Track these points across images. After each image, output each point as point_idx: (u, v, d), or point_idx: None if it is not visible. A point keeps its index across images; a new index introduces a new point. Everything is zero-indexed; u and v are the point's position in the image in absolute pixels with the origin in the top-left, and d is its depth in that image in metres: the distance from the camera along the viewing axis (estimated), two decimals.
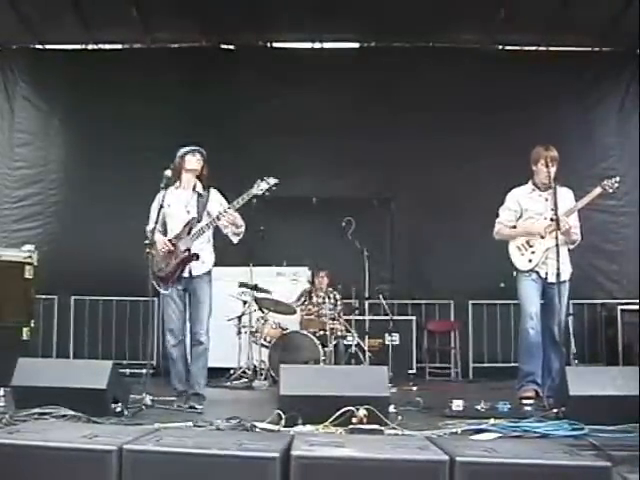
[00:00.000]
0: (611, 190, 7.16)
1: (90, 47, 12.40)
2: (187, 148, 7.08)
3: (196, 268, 6.99)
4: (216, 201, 7.10)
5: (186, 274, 6.97)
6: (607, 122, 12.27)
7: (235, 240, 7.12)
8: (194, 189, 7.10)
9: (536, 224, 7.23)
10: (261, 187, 6.90)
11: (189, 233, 6.95)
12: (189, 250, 6.92)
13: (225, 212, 6.80)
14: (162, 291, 6.96)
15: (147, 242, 6.88)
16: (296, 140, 11.71)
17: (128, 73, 11.92)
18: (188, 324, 7.15)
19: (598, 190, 7.14)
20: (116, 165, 11.60)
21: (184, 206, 7.02)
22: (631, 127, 12.21)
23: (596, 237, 10.98)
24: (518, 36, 12.20)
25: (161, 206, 6.88)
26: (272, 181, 6.93)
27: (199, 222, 6.98)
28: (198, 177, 7.13)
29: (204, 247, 7.06)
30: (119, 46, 12.54)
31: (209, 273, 7.11)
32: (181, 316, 6.99)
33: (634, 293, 11.49)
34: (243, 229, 7.02)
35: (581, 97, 12.06)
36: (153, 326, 9.89)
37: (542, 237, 7.13)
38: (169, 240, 6.92)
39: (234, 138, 11.69)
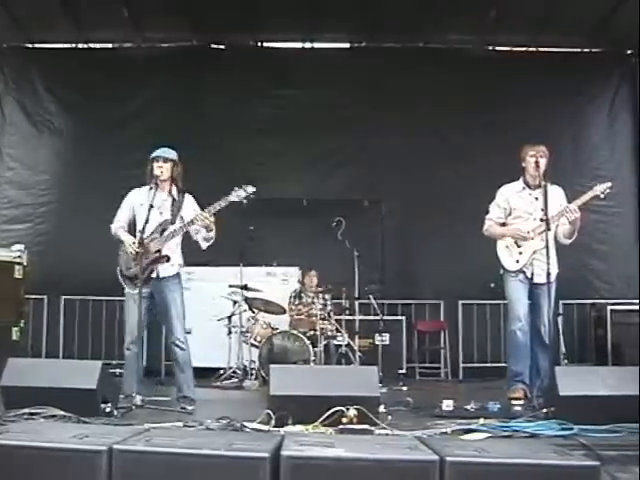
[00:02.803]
0: (602, 196, 7.17)
1: (80, 46, 12.34)
2: (153, 154, 7.04)
3: (164, 270, 7.00)
4: (190, 207, 7.10)
5: (154, 275, 6.96)
6: (597, 122, 12.31)
7: (204, 246, 7.12)
8: (169, 192, 7.11)
9: (524, 225, 7.24)
10: (238, 194, 6.91)
11: (161, 234, 6.96)
12: (160, 251, 6.93)
13: (202, 215, 6.78)
14: (129, 290, 6.93)
15: (136, 243, 6.86)
16: (286, 140, 11.73)
17: (118, 73, 11.86)
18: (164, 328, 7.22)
19: (590, 194, 7.14)
20: (106, 166, 11.55)
21: (157, 208, 6.97)
22: (621, 127, 12.27)
23: (586, 237, 10.95)
24: (508, 37, 12.22)
25: (151, 206, 6.84)
26: (250, 189, 6.94)
27: (172, 224, 7.00)
28: (173, 181, 7.13)
29: (174, 250, 7.07)
30: (109, 45, 12.49)
31: (178, 276, 7.12)
32: (139, 318, 6.87)
33: (624, 293, 11.55)
34: (213, 235, 6.97)
35: (571, 97, 12.07)
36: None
37: (531, 238, 7.15)
38: (140, 242, 6.84)
39: (224, 138, 11.68)
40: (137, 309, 6.73)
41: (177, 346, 6.96)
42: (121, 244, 7.07)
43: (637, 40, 11.60)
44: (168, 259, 6.96)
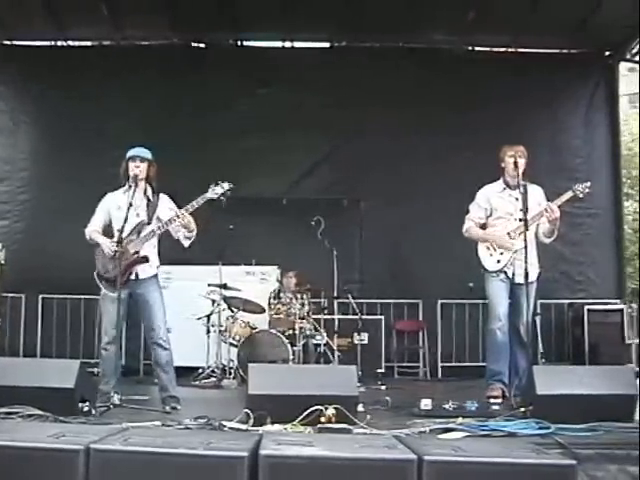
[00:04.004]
0: (581, 195, 7.22)
1: (59, 44, 12.26)
2: (129, 153, 6.99)
3: (143, 271, 6.94)
4: (166, 207, 7.03)
5: (132, 277, 6.90)
6: (575, 123, 12.34)
7: (186, 244, 7.03)
8: (144, 193, 7.04)
9: (506, 225, 7.27)
10: (216, 191, 6.89)
11: (138, 235, 6.90)
12: (138, 252, 6.86)
13: (181, 215, 6.72)
14: (108, 293, 6.82)
15: (114, 242, 6.79)
16: (266, 139, 11.67)
17: (98, 71, 11.78)
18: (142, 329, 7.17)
19: (569, 194, 7.18)
20: (84, 164, 11.46)
21: (134, 209, 6.89)
22: (598, 128, 12.34)
23: (563, 239, 11.05)
24: (488, 37, 12.24)
25: (130, 204, 6.77)
26: (227, 185, 6.93)
27: (148, 225, 6.94)
28: (148, 181, 7.06)
29: (151, 251, 7.01)
30: (89, 43, 12.44)
31: (156, 276, 7.07)
32: (117, 320, 6.78)
33: (600, 293, 11.64)
34: (195, 233, 6.92)
35: (549, 98, 12.07)
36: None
37: (511, 238, 7.18)
38: (118, 242, 6.75)
39: (203, 137, 11.62)
40: (114, 310, 6.69)
41: (160, 346, 6.90)
42: (97, 247, 6.98)
43: (615, 40, 11.76)
44: (147, 260, 6.90)
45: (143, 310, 6.99)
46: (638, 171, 12.22)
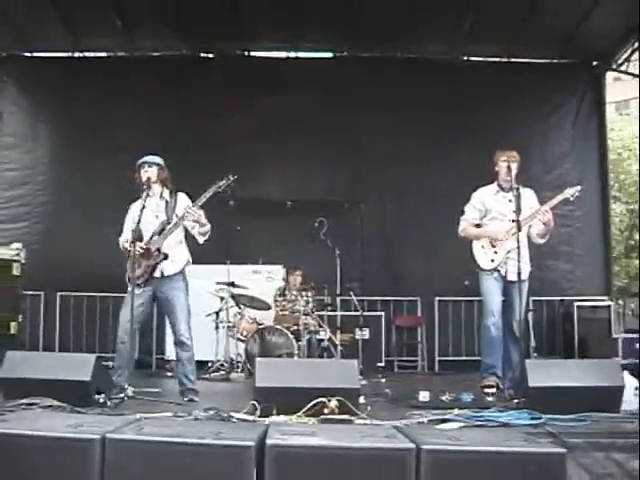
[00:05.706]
0: (572, 198, 7.21)
1: (76, 55, 12.33)
2: (139, 161, 6.98)
3: (167, 268, 6.88)
4: (183, 204, 6.97)
5: (157, 274, 6.85)
6: (563, 130, 12.36)
7: (201, 240, 6.98)
8: (161, 196, 7.03)
9: (499, 226, 7.25)
10: (219, 185, 6.90)
11: (160, 234, 6.88)
12: (159, 250, 6.83)
13: (189, 210, 6.71)
14: (134, 291, 6.73)
15: (128, 248, 6.77)
16: (271, 145, 11.68)
17: (112, 80, 11.82)
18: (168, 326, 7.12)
19: (561, 197, 7.16)
20: (100, 167, 11.49)
21: (152, 212, 6.91)
22: (585, 135, 12.36)
23: (553, 239, 11.01)
24: (483, 48, 12.27)
25: (144, 206, 6.76)
26: (231, 177, 6.97)
27: (169, 224, 6.90)
28: (162, 184, 7.05)
29: (175, 247, 6.94)
30: (104, 54, 12.49)
31: (182, 273, 7.00)
32: (138, 317, 6.74)
33: (587, 291, 11.65)
34: (208, 228, 6.88)
35: (539, 106, 12.16)
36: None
37: (505, 239, 7.16)
38: (132, 241, 6.66)
39: (212, 143, 11.63)
40: (130, 305, 6.66)
41: (182, 344, 6.86)
42: (129, 253, 6.88)
43: (602, 51, 11.77)
44: (166, 257, 6.83)
45: (167, 309, 6.97)
46: (627, 175, 12.23)
